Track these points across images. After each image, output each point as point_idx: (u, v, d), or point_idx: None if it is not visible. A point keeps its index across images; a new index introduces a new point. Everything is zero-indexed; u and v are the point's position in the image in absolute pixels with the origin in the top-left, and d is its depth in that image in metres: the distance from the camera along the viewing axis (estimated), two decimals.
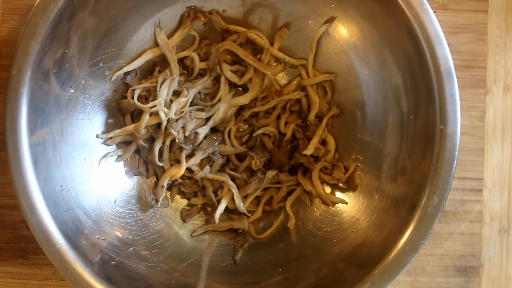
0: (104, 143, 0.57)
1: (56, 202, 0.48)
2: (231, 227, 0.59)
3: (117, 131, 0.57)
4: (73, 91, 0.52)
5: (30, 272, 0.59)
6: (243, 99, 0.59)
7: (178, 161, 0.58)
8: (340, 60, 0.58)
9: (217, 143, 0.59)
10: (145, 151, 0.58)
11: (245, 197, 0.59)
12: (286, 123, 0.60)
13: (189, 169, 0.58)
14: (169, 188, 0.60)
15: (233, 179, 0.59)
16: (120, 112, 0.58)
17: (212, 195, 0.59)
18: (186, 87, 0.57)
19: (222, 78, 0.58)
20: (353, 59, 0.56)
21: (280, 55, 0.59)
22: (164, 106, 0.57)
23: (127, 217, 0.56)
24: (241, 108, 0.61)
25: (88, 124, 0.55)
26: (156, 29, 0.56)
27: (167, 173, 0.58)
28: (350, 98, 0.58)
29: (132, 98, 0.57)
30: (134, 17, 0.54)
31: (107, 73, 0.56)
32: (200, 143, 0.59)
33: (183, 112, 0.58)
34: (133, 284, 0.50)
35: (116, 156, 0.57)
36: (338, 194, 0.58)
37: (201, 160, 0.59)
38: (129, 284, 0.49)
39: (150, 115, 0.57)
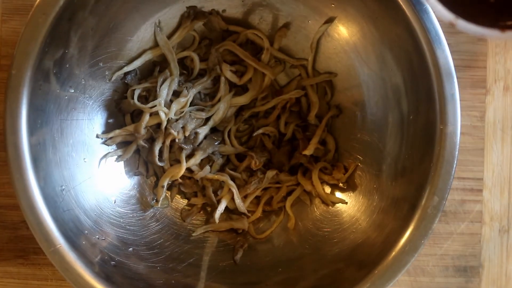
0: (104, 143, 0.57)
1: (56, 202, 0.48)
2: (231, 227, 0.59)
3: (117, 131, 0.57)
4: (73, 91, 0.52)
5: (30, 272, 0.59)
6: (243, 99, 0.59)
7: (178, 161, 0.58)
8: (340, 60, 0.58)
9: (217, 143, 0.59)
10: (145, 151, 0.58)
11: (245, 197, 0.59)
12: (286, 123, 0.60)
13: (189, 169, 0.58)
14: (169, 188, 0.60)
15: (233, 179, 0.59)
16: (120, 112, 0.58)
17: (212, 195, 0.59)
18: (186, 87, 0.57)
19: (222, 78, 0.58)
20: (353, 59, 0.56)
21: (280, 55, 0.59)
22: (164, 106, 0.57)
23: (127, 217, 0.56)
24: (241, 108, 0.61)
25: (88, 124, 0.55)
26: (156, 29, 0.56)
27: (167, 173, 0.58)
28: (350, 98, 0.58)
29: (132, 98, 0.57)
30: (134, 17, 0.54)
31: (107, 73, 0.55)
32: (200, 143, 0.59)
33: (183, 112, 0.58)
34: (133, 284, 0.50)
35: (116, 156, 0.57)
36: (338, 194, 0.58)
37: (201, 160, 0.59)
38: (129, 284, 0.49)
39: (150, 115, 0.57)
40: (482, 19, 0.40)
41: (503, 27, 0.39)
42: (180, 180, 0.58)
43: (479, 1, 0.41)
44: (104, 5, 0.50)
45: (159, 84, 0.57)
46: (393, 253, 0.48)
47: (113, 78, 0.56)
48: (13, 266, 0.59)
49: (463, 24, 0.40)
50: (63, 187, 0.50)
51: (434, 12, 0.40)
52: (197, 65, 0.58)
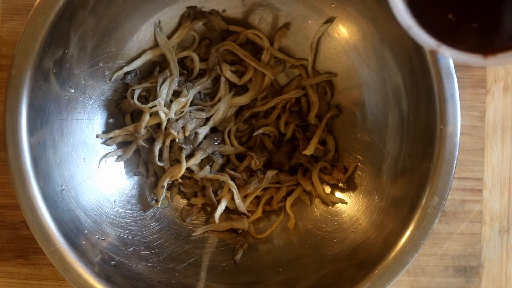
0: (104, 143, 0.57)
1: (56, 202, 0.48)
2: (231, 227, 0.59)
3: (117, 131, 0.57)
4: (73, 91, 0.52)
5: (30, 272, 0.59)
6: (243, 99, 0.59)
7: (178, 161, 0.58)
8: (340, 60, 0.58)
9: (217, 143, 0.59)
10: (145, 151, 0.58)
11: (245, 197, 0.59)
12: (286, 123, 0.60)
13: (189, 169, 0.58)
14: (169, 188, 0.60)
15: (233, 179, 0.59)
16: (120, 112, 0.58)
17: (212, 195, 0.59)
18: (186, 87, 0.57)
19: (222, 78, 0.58)
20: (353, 59, 0.56)
21: (280, 55, 0.59)
22: (164, 106, 0.57)
23: (127, 217, 0.56)
24: (241, 108, 0.61)
25: (88, 124, 0.55)
26: (156, 29, 0.56)
27: (167, 173, 0.58)
28: (350, 98, 0.58)
29: (132, 98, 0.57)
30: (134, 17, 0.54)
31: (107, 73, 0.56)
32: (200, 143, 0.59)
33: (183, 112, 0.58)
34: (133, 284, 0.50)
35: (116, 156, 0.57)
36: (338, 194, 0.58)
37: (201, 160, 0.59)
38: (129, 284, 0.49)
39: (150, 115, 0.57)
40: (465, 44, 0.40)
41: (485, 53, 0.39)
42: (180, 180, 0.59)
43: (462, 26, 0.40)
44: (104, 5, 0.50)
45: (159, 84, 0.57)
46: (393, 253, 0.48)
47: (113, 78, 0.56)
48: (13, 266, 0.59)
49: (445, 51, 0.40)
50: (63, 187, 0.50)
51: (417, 39, 0.40)
52: (197, 65, 0.58)
